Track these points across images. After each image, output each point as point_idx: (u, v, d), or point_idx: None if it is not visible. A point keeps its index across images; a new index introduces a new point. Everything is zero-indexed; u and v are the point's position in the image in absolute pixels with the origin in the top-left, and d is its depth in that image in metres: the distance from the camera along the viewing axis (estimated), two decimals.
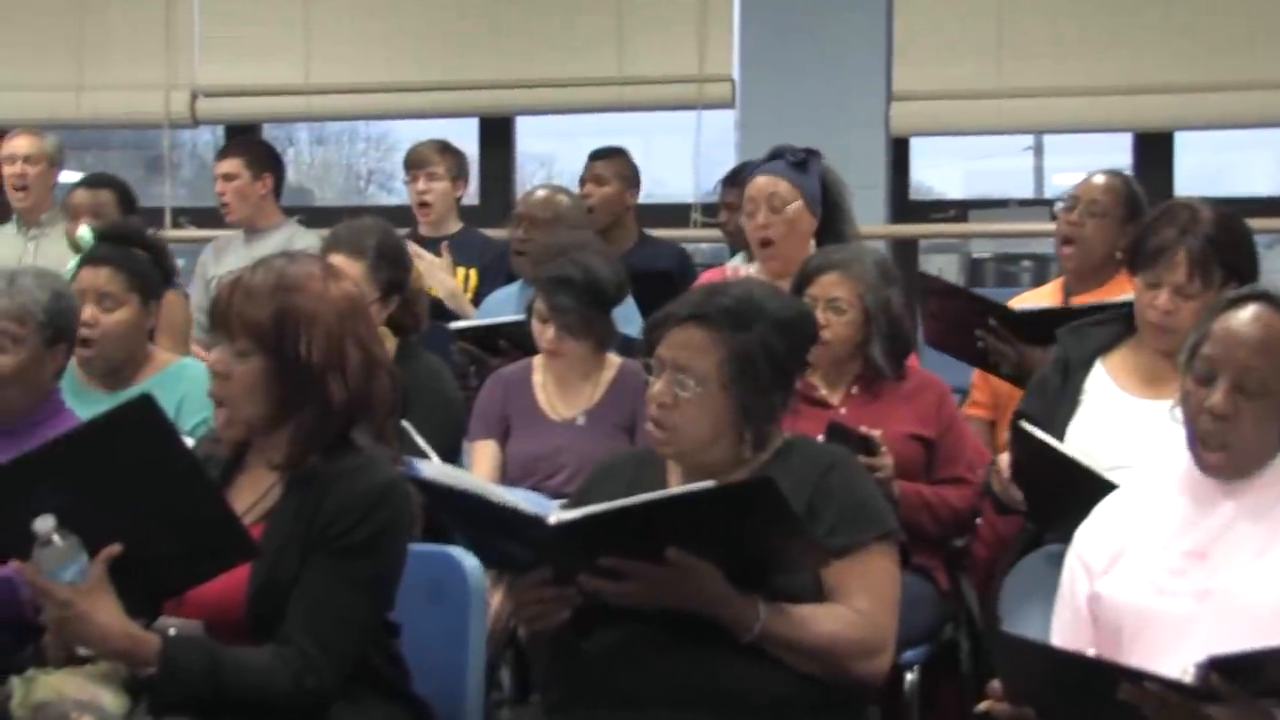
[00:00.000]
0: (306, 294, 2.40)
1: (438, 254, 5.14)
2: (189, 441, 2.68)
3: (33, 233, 5.65)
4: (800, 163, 4.09)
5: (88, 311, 3.55)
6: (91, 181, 5.40)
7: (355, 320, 2.43)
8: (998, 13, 5.96)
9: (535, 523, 2.40)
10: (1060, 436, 3.19)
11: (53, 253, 5.21)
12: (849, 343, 3.57)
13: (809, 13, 6.01)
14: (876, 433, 3.36)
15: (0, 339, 3.05)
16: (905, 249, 6.26)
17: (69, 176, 5.91)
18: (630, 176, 5.42)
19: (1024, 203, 7.14)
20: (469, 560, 2.76)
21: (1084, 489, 2.68)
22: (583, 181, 5.37)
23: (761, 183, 4.09)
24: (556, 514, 2.44)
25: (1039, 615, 2.63)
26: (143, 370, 3.67)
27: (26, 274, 3.14)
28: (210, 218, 5.98)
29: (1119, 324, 3.30)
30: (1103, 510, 2.47)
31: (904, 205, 6.28)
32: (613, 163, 5.38)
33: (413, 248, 4.28)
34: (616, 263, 4.00)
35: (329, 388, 2.38)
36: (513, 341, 4.24)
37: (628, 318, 4.14)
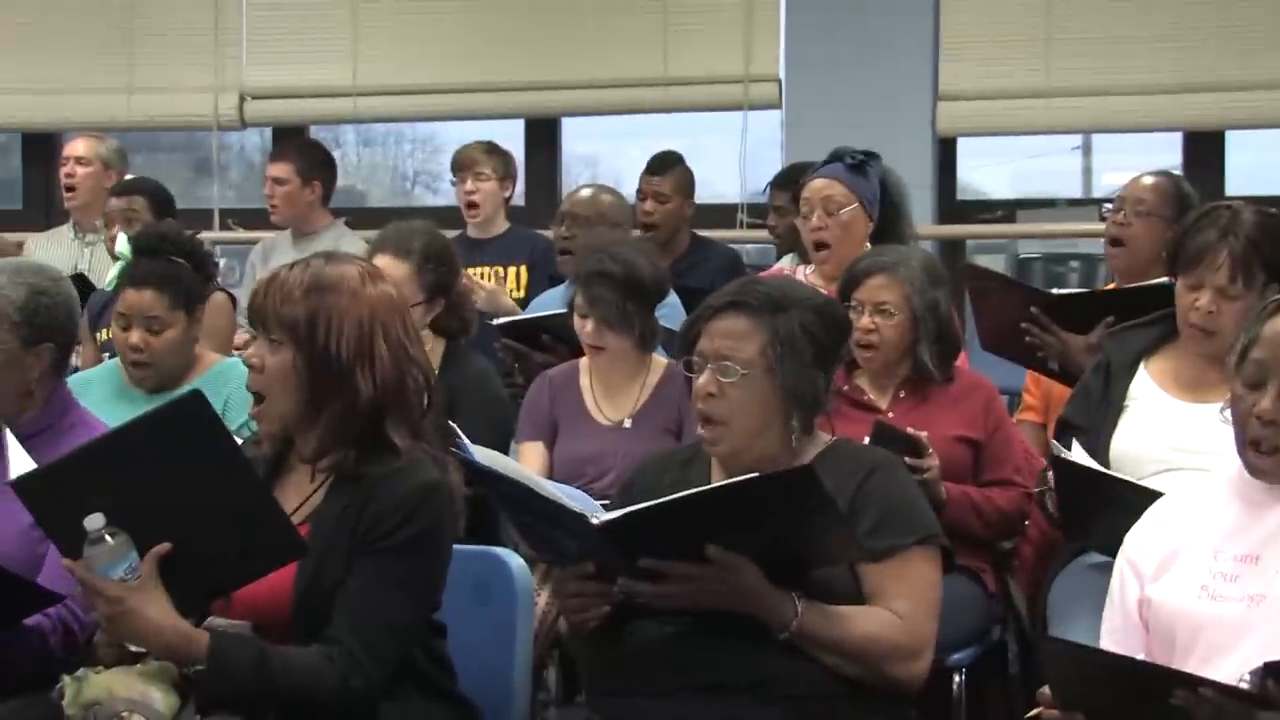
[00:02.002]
0: (340, 293, 2.42)
1: (485, 255, 5.16)
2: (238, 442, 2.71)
3: (89, 239, 5.68)
4: (858, 165, 4.08)
5: (136, 336, 3.58)
6: (123, 189, 5.34)
7: (389, 320, 2.44)
8: (1046, 11, 5.94)
9: (579, 520, 2.41)
10: (1104, 441, 3.18)
11: (107, 259, 5.19)
12: (897, 346, 3.55)
13: (855, 12, 6.00)
14: (923, 434, 3.35)
15: None
16: (952, 250, 6.24)
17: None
18: (689, 186, 5.40)
19: (1072, 203, 7.09)
20: (515, 561, 2.77)
21: (1130, 504, 2.66)
22: (641, 195, 5.34)
23: (818, 185, 4.09)
24: (600, 513, 2.45)
25: (1087, 621, 2.62)
26: (189, 373, 3.70)
27: (3, 272, 2.90)
28: (258, 219, 6.02)
29: (1161, 327, 3.28)
30: (1152, 515, 2.45)
31: (951, 206, 6.26)
32: (670, 177, 5.34)
33: (472, 280, 4.30)
34: (657, 259, 3.99)
35: (357, 383, 2.40)
36: (556, 336, 4.25)
37: (674, 319, 4.14)
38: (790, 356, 2.56)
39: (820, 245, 4.07)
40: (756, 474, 2.40)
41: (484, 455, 2.60)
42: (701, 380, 2.59)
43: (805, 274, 4.15)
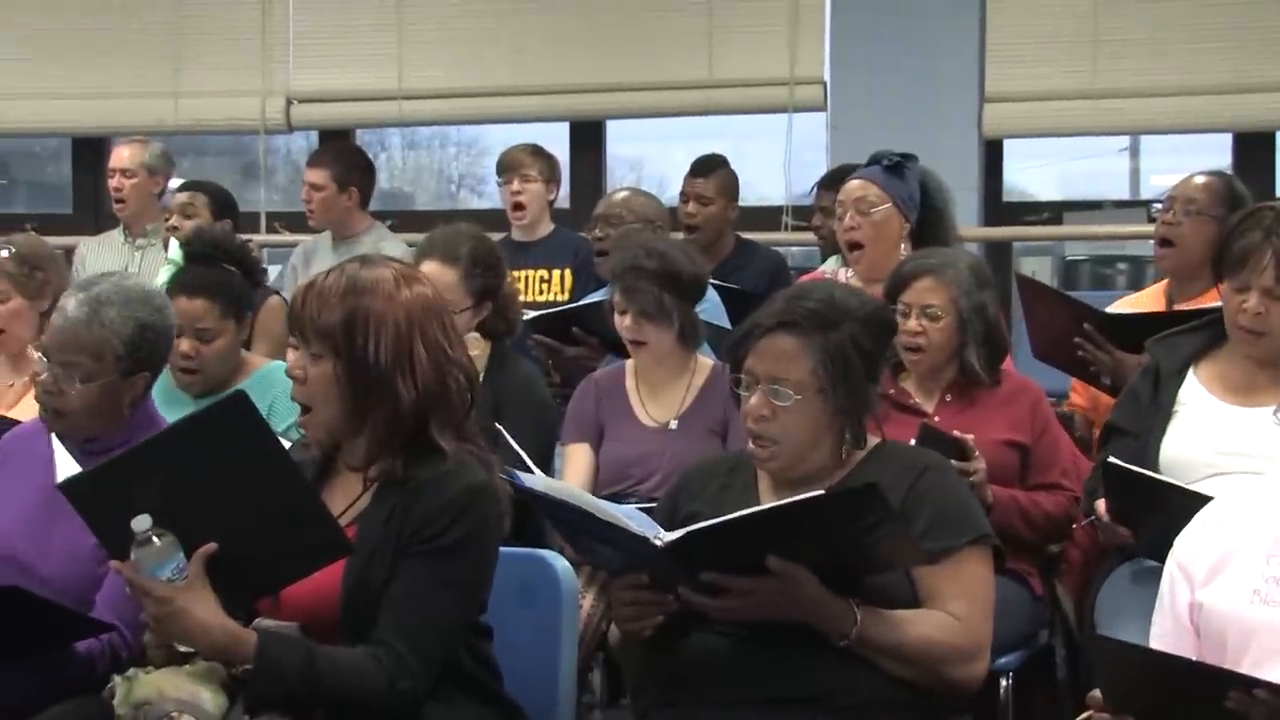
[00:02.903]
0: (376, 297, 2.42)
1: (530, 257, 5.17)
2: (283, 444, 2.72)
3: (139, 243, 5.73)
4: (894, 166, 4.07)
5: (186, 344, 3.60)
6: (189, 185, 5.49)
7: (426, 322, 2.44)
8: (1093, 12, 5.90)
9: (641, 542, 2.41)
10: (1154, 446, 3.16)
11: (156, 263, 5.23)
12: (945, 349, 3.54)
13: (901, 14, 5.98)
14: (969, 437, 3.33)
15: (71, 370, 2.85)
16: (999, 252, 6.22)
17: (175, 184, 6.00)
18: (733, 189, 5.38)
19: (1119, 204, 7.06)
20: (560, 563, 2.77)
21: (1179, 509, 2.64)
22: (684, 197, 5.35)
23: (851, 186, 4.10)
24: (662, 533, 2.43)
25: (1135, 625, 2.60)
26: (235, 377, 3.72)
27: (112, 303, 2.88)
28: (304, 222, 6.04)
29: (1209, 331, 3.26)
30: (1203, 518, 2.43)
31: (997, 207, 6.23)
32: (714, 179, 5.33)
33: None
34: (695, 255, 3.99)
35: (398, 389, 2.40)
36: (587, 328, 4.25)
37: (714, 317, 4.14)
38: (842, 375, 2.55)
39: (854, 245, 4.07)
40: (822, 492, 2.40)
41: (536, 481, 2.59)
42: (753, 402, 2.58)
43: (846, 276, 4.15)
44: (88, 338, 2.86)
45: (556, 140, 6.35)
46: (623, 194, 5.01)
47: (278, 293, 4.93)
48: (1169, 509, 2.80)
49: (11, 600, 2.47)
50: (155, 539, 2.29)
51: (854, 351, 2.56)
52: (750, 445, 2.62)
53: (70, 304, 2.89)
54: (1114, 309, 4.15)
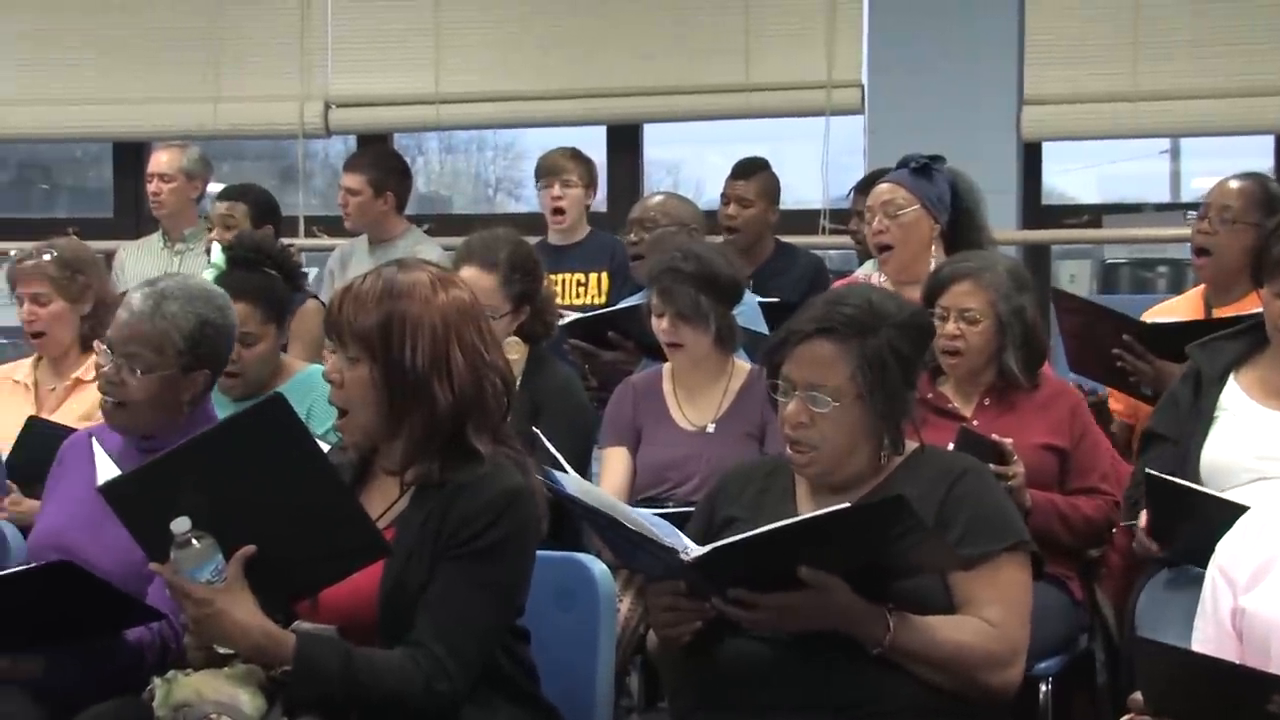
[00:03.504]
0: (413, 300, 2.43)
1: (567, 261, 5.17)
2: (323, 449, 2.73)
3: (178, 247, 5.77)
4: (922, 168, 4.07)
5: None
6: (227, 194, 5.51)
7: (463, 326, 2.45)
8: (1133, 13, 5.87)
9: (669, 553, 2.41)
10: (1195, 452, 3.14)
11: (195, 268, 5.25)
12: (983, 353, 3.53)
13: (938, 16, 5.96)
14: (1007, 441, 3.32)
15: (133, 361, 2.93)
16: (1038, 255, 6.19)
17: (214, 188, 6.03)
18: (773, 191, 5.38)
19: (1160, 207, 7.01)
20: (598, 566, 2.77)
21: (1217, 518, 2.62)
22: (724, 199, 5.34)
23: (880, 190, 4.11)
24: (691, 546, 2.43)
25: (1176, 630, 2.57)
26: (274, 380, 3.75)
27: (176, 296, 2.98)
28: (342, 226, 6.06)
29: (1250, 337, 3.24)
30: (1245, 524, 2.41)
31: (1036, 210, 6.20)
32: (755, 182, 5.33)
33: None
34: (733, 258, 3.98)
35: (434, 392, 2.41)
36: (622, 332, 4.26)
37: (751, 321, 4.14)
38: (881, 381, 2.54)
39: (883, 248, 4.07)
40: (848, 505, 2.39)
41: (572, 484, 2.60)
42: (791, 409, 2.58)
43: (880, 279, 4.14)
44: (149, 330, 2.94)
45: (593, 144, 6.36)
46: (658, 198, 5.02)
47: (314, 296, 4.95)
48: (1209, 519, 2.78)
49: (63, 578, 2.48)
50: (194, 541, 2.30)
51: (892, 357, 2.55)
52: (788, 450, 2.62)
53: (135, 298, 2.99)
54: (1149, 316, 4.13)
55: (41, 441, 3.42)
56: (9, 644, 2.54)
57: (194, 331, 2.96)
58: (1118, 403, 4.13)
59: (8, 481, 3.51)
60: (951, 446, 3.19)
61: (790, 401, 2.58)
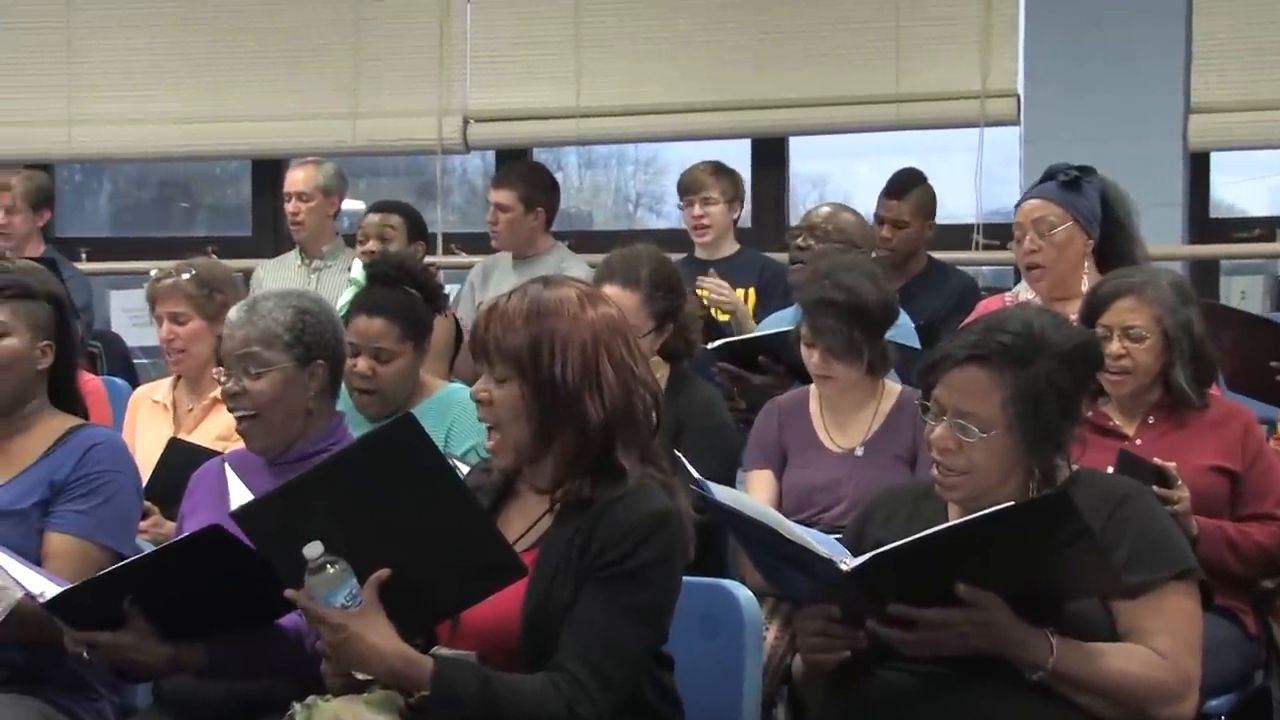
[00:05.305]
0: (561, 318, 2.46)
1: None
2: (461, 468, 2.77)
3: (315, 264, 5.87)
4: (1072, 181, 4.00)
5: (364, 364, 3.71)
6: (382, 206, 5.60)
7: (612, 341, 2.47)
8: None
9: (827, 564, 2.40)
10: None
11: (334, 284, 5.36)
12: (1150, 371, 3.47)
13: (1100, 22, 5.89)
14: (1171, 464, 3.26)
15: (248, 364, 3.04)
16: (1205, 270, 6.08)
17: (350, 204, 6.13)
18: (929, 207, 5.34)
19: None
20: (743, 593, 2.77)
21: None
22: (878, 220, 5.31)
23: (1028, 207, 4.04)
24: (849, 558, 2.42)
25: None
26: (412, 400, 3.80)
27: (268, 298, 3.11)
28: (480, 243, 6.13)
29: None
30: None
31: (1204, 224, 6.10)
32: (909, 200, 5.29)
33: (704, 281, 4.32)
34: (883, 283, 3.96)
35: (586, 408, 2.43)
36: (773, 356, 4.25)
37: (904, 337, 4.11)
38: (1033, 415, 2.51)
39: (1033, 267, 4.01)
40: (1010, 504, 2.37)
41: (724, 493, 2.61)
42: (938, 433, 2.56)
43: (1030, 296, 4.09)
44: (251, 332, 3.05)
45: (738, 157, 6.35)
46: (827, 208, 4.95)
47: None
48: None
49: (213, 550, 2.55)
50: (328, 566, 2.34)
51: (1049, 390, 2.52)
52: (934, 472, 2.60)
53: (231, 314, 3.13)
54: None
55: (182, 463, 3.51)
56: (172, 630, 2.62)
57: (294, 321, 3.07)
58: None
59: (147, 503, 3.60)
60: (1110, 470, 3.14)
61: (938, 426, 2.56)
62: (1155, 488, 3.06)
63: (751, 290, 5.24)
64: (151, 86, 7.06)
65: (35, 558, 2.90)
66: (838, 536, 2.86)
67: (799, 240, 4.80)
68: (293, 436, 3.07)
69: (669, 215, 6.06)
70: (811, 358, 3.84)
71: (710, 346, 4.33)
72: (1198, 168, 6.04)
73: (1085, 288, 3.86)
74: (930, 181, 5.40)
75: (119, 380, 4.97)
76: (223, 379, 3.10)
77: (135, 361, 5.94)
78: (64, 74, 7.10)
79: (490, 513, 2.51)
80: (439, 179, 6.94)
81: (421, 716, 2.38)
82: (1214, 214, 6.28)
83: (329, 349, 3.13)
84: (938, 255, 5.45)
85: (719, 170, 5.49)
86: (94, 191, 8.62)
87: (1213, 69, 5.86)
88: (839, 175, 7.43)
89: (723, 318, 4.92)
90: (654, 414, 2.50)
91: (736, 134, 6.60)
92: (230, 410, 3.10)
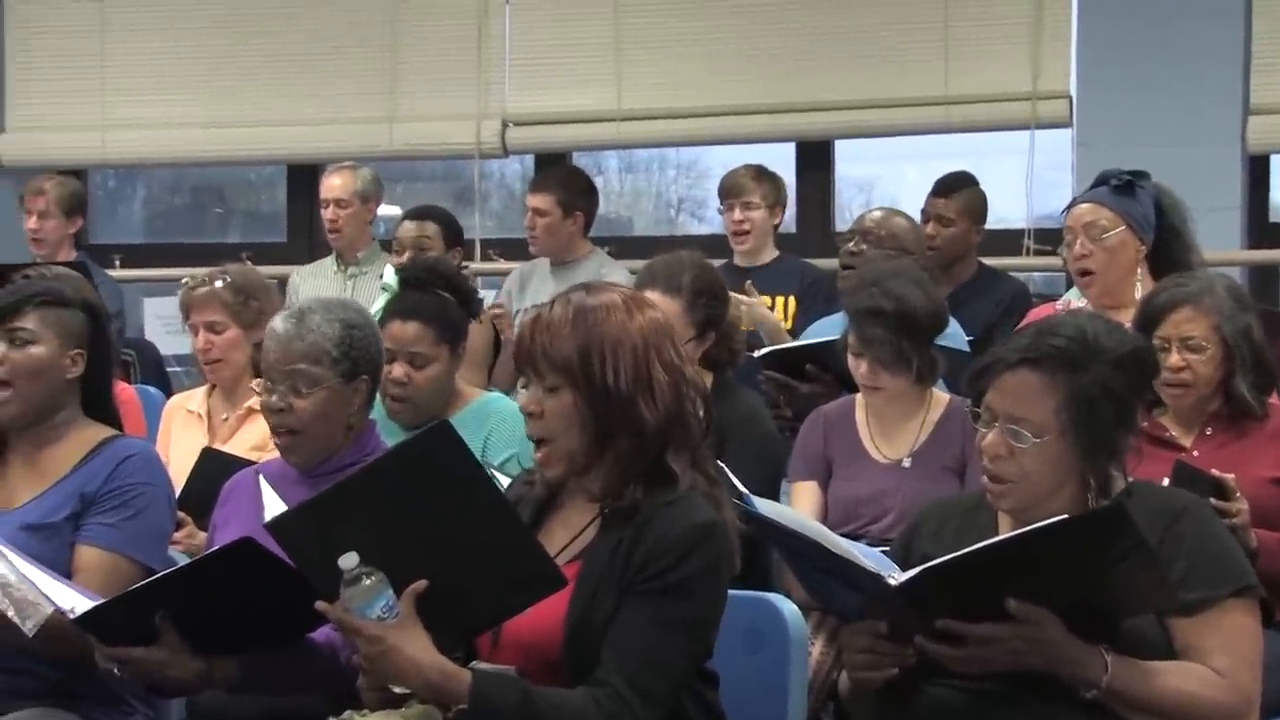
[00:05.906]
0: (608, 323, 2.46)
1: (756, 283, 5.17)
2: (501, 479, 2.77)
3: (351, 271, 5.89)
4: (1124, 186, 3.98)
5: (399, 369, 3.70)
6: (417, 213, 5.59)
7: (661, 344, 2.48)
8: None
9: (875, 579, 2.39)
10: None
11: (370, 291, 5.37)
12: (1210, 381, 3.45)
13: (1156, 22, 5.85)
14: (1229, 476, 3.23)
15: (296, 381, 3.05)
16: (1264, 277, 6.03)
17: (386, 209, 6.14)
18: (978, 210, 5.33)
19: None
20: (788, 607, 2.76)
21: None
22: (925, 217, 5.29)
23: (1079, 211, 4.02)
24: (896, 572, 2.41)
25: None
26: (448, 408, 3.79)
27: (315, 310, 3.12)
28: (518, 249, 6.13)
29: None
30: None
31: (1263, 228, 6.05)
32: (957, 199, 5.28)
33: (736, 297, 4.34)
34: (932, 290, 3.95)
35: (640, 413, 2.43)
36: (821, 365, 4.24)
37: (954, 342, 4.09)
38: (1088, 421, 2.49)
39: (1084, 273, 3.99)
40: (1064, 516, 2.35)
41: (769, 507, 2.60)
42: (990, 440, 2.55)
43: (1083, 305, 4.06)
44: (302, 347, 3.06)
45: (782, 161, 6.33)
46: (879, 213, 4.94)
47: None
48: None
49: (246, 562, 2.55)
50: (364, 578, 2.33)
51: (1103, 396, 2.50)
52: (984, 480, 2.58)
53: (277, 324, 3.11)
54: None
55: (216, 473, 3.52)
56: (205, 644, 2.63)
57: (343, 337, 3.08)
58: None
59: (181, 514, 3.61)
60: (1166, 481, 3.12)
61: (990, 432, 2.55)
62: (1213, 500, 3.04)
63: (791, 298, 5.23)
64: (185, 91, 7.09)
65: (67, 571, 2.91)
66: (884, 550, 2.85)
67: (850, 245, 4.79)
68: (331, 451, 3.09)
69: (711, 220, 6.06)
70: (859, 368, 3.83)
71: (757, 354, 4.33)
72: (1257, 171, 6.00)
73: (1138, 295, 3.84)
74: (981, 186, 5.38)
75: (152, 389, 5.00)
76: (264, 391, 3.11)
77: (169, 370, 5.97)
78: (97, 79, 7.15)
79: (532, 525, 2.51)
80: (477, 184, 6.94)
81: None
82: (1274, 219, 6.23)
83: (374, 363, 3.15)
84: (988, 261, 5.43)
85: (761, 174, 5.48)
86: (127, 198, 8.67)
87: (1273, 70, 5.81)
88: (886, 179, 7.41)
89: (746, 327, 4.89)
90: (705, 417, 2.50)
91: (780, 137, 6.58)
92: (272, 426, 3.11)
